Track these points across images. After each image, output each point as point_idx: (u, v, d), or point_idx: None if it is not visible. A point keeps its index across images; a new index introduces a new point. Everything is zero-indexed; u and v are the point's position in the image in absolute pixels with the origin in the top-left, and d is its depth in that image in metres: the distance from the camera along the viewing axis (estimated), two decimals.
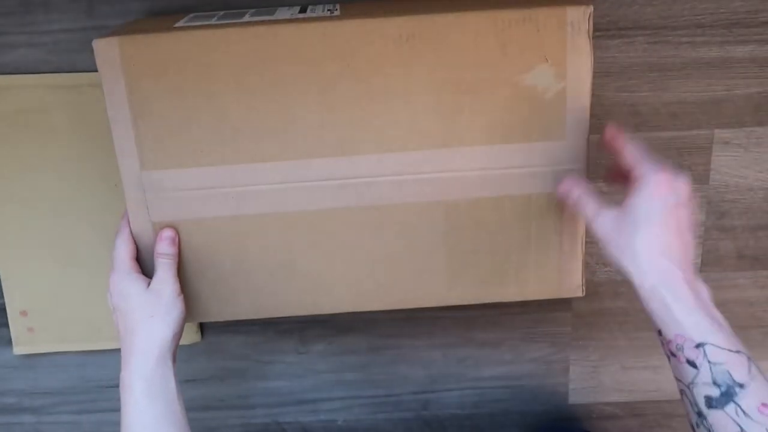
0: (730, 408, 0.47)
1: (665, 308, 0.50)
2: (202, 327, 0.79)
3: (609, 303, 0.79)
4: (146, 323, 0.58)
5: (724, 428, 0.47)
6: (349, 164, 0.60)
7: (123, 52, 0.56)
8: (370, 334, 0.80)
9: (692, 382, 0.49)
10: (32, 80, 0.70)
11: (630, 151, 0.55)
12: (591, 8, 0.57)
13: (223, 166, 0.60)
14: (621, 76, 0.71)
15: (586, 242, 0.64)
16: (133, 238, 0.61)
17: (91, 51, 0.56)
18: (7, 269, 0.75)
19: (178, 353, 0.60)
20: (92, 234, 0.74)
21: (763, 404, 0.46)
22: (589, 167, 0.62)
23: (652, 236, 0.51)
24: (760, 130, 0.73)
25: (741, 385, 0.47)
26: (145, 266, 0.62)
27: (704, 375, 0.48)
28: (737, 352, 0.48)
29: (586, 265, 0.68)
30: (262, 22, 0.58)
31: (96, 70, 0.57)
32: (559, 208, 0.62)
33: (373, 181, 0.61)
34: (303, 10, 0.62)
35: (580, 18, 0.57)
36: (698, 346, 0.48)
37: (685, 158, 0.74)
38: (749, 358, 0.49)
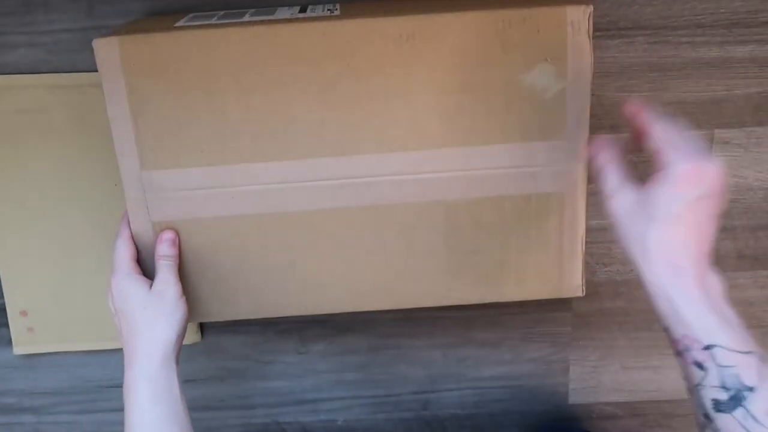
0: (739, 412, 0.45)
1: (673, 308, 0.48)
2: (202, 327, 0.79)
3: (609, 303, 0.79)
4: (150, 325, 0.58)
5: None
6: (349, 164, 0.60)
7: (123, 52, 0.56)
8: (370, 334, 0.80)
9: (699, 384, 0.47)
10: (32, 80, 0.70)
11: (657, 133, 0.50)
12: (591, 8, 0.57)
13: (223, 166, 0.60)
14: (621, 76, 0.71)
15: (586, 242, 0.64)
16: (134, 239, 0.61)
17: (91, 51, 0.56)
18: (7, 269, 0.75)
19: None
20: (92, 234, 0.74)
21: None
22: (589, 167, 0.62)
23: (667, 234, 0.48)
24: (760, 130, 0.73)
25: (750, 389, 0.45)
26: (145, 267, 0.62)
27: (712, 378, 0.46)
28: (748, 353, 0.46)
29: (586, 265, 0.68)
30: (262, 22, 0.58)
31: (96, 70, 0.57)
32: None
33: (373, 181, 0.61)
34: (303, 10, 0.62)
35: (580, 18, 0.57)
36: (706, 348, 0.47)
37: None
38: (761, 359, 0.46)
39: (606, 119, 0.72)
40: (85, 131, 0.71)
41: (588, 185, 0.62)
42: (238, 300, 0.64)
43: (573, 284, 0.65)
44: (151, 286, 0.59)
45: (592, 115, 0.60)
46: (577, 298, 0.78)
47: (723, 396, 0.46)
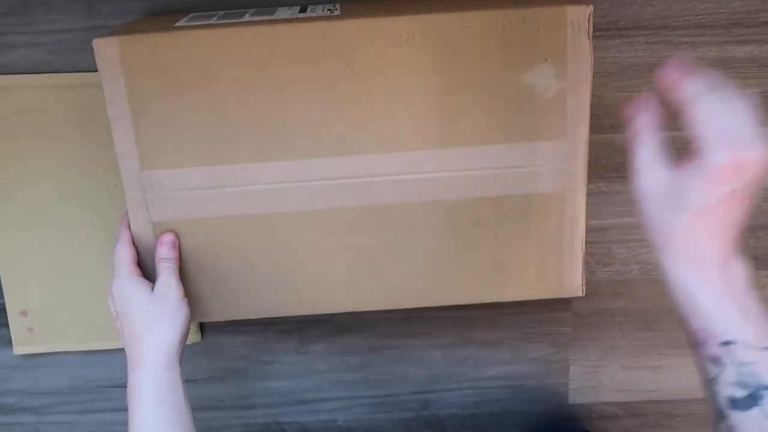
0: (756, 411, 0.43)
1: (691, 299, 0.45)
2: (202, 327, 0.79)
3: (609, 303, 0.79)
4: (153, 328, 0.58)
5: None
6: (349, 164, 0.60)
7: (123, 52, 0.56)
8: (370, 334, 0.80)
9: (714, 380, 0.45)
10: (32, 80, 0.70)
11: (698, 114, 0.44)
12: (591, 8, 0.57)
13: (223, 166, 0.60)
14: (621, 76, 0.71)
15: (586, 242, 0.64)
16: (134, 242, 0.61)
17: (91, 51, 0.56)
18: (7, 269, 0.75)
19: None
20: (92, 234, 0.74)
21: None
22: (589, 167, 0.62)
23: (694, 225, 0.45)
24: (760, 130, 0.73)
25: None
26: (145, 268, 0.62)
27: (728, 375, 0.44)
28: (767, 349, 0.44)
29: (586, 265, 0.68)
30: (262, 22, 0.58)
31: (96, 70, 0.57)
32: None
33: (373, 181, 0.61)
34: (303, 10, 0.62)
35: (580, 18, 0.57)
36: (724, 344, 0.44)
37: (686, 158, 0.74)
38: None
39: (606, 119, 0.72)
40: (85, 131, 0.71)
41: (588, 185, 0.62)
42: (238, 300, 0.64)
43: (573, 284, 0.65)
44: (152, 288, 0.60)
45: (592, 115, 0.60)
46: (577, 298, 0.77)
47: (739, 394, 0.44)
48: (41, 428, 0.83)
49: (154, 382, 0.57)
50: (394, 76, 0.58)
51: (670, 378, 0.83)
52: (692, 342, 0.47)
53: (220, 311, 0.65)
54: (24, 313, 0.77)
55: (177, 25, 0.59)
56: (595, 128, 0.61)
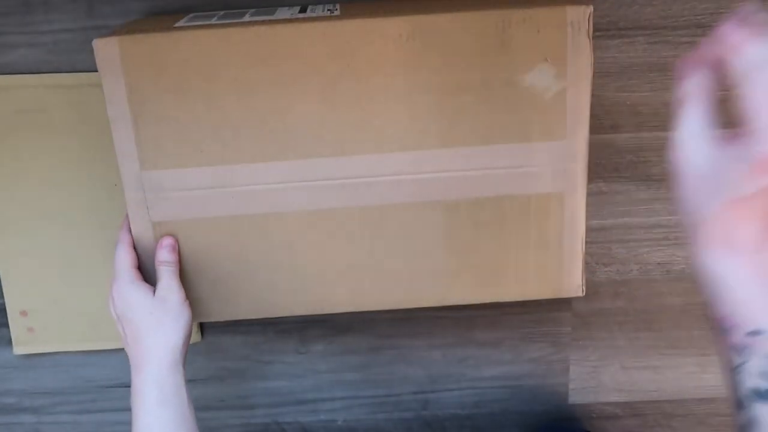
0: None
1: (719, 285, 0.42)
2: (202, 327, 0.79)
3: (609, 303, 0.79)
4: (156, 331, 0.59)
5: None
6: (349, 164, 0.60)
7: (123, 52, 0.56)
8: (370, 334, 0.80)
9: (738, 369, 0.42)
10: (32, 80, 0.70)
11: (757, 90, 0.38)
12: (591, 8, 0.57)
13: (223, 166, 0.60)
14: (621, 76, 0.71)
15: (586, 242, 0.64)
16: (134, 246, 0.61)
17: (91, 51, 0.56)
18: (7, 269, 0.75)
19: None
20: (92, 234, 0.74)
21: None
22: (589, 167, 0.62)
23: (731, 212, 0.41)
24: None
25: None
26: (145, 270, 0.62)
27: (753, 365, 0.41)
28: None
29: (586, 265, 0.68)
30: (262, 22, 0.58)
31: (96, 70, 0.57)
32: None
33: (373, 181, 0.61)
34: (303, 10, 0.62)
35: (580, 18, 0.57)
36: (751, 333, 0.42)
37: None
38: None
39: (606, 119, 0.72)
40: (85, 131, 0.71)
41: (588, 185, 0.62)
42: (238, 300, 0.64)
43: (573, 284, 0.65)
44: (153, 292, 0.60)
45: (592, 115, 0.60)
46: (577, 298, 0.78)
47: (764, 385, 0.41)
48: (41, 428, 0.83)
49: (158, 385, 0.58)
50: (394, 76, 0.58)
51: (670, 378, 0.83)
52: (717, 329, 0.44)
53: (220, 311, 0.65)
54: (24, 313, 0.77)
55: (177, 25, 0.59)
56: (595, 128, 0.61)
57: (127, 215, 0.62)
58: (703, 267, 0.43)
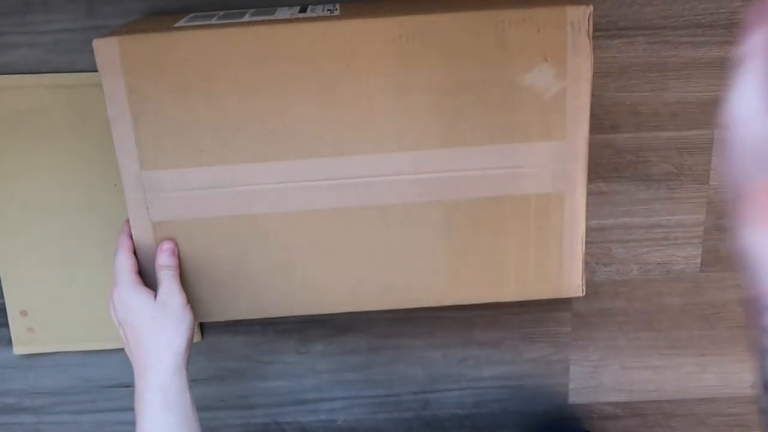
0: None
1: (756, 260, 0.40)
2: (202, 327, 0.79)
3: (609, 303, 0.79)
4: (158, 335, 0.59)
5: None
6: (349, 164, 0.60)
7: (123, 52, 0.56)
8: (370, 334, 0.80)
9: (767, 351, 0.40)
10: (32, 80, 0.70)
11: None
12: (591, 8, 0.57)
13: (223, 166, 0.60)
14: (621, 76, 0.71)
15: (586, 242, 0.64)
16: (134, 251, 0.61)
17: (91, 51, 0.56)
18: (7, 269, 0.75)
19: None
20: (92, 234, 0.74)
21: None
22: (589, 167, 0.62)
23: None
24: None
25: None
26: (144, 271, 0.62)
27: None
28: None
29: (586, 265, 0.68)
30: (262, 22, 0.58)
31: (96, 70, 0.57)
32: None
33: (373, 181, 0.61)
34: (303, 10, 0.62)
35: (580, 18, 0.57)
36: None
37: (685, 158, 0.74)
38: None
39: (606, 119, 0.72)
40: (85, 131, 0.71)
41: (588, 185, 0.62)
42: (238, 300, 0.64)
43: (573, 284, 0.65)
44: (155, 296, 0.60)
45: (592, 115, 0.60)
46: (577, 298, 0.78)
47: None
48: (41, 428, 0.83)
49: (162, 389, 0.58)
50: (395, 76, 0.58)
51: (670, 378, 0.83)
52: (750, 308, 0.41)
53: (220, 311, 0.65)
54: (24, 313, 0.77)
55: (177, 25, 0.59)
56: (595, 128, 0.61)
57: (127, 220, 0.62)
58: (741, 241, 0.40)
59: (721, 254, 0.77)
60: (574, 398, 0.83)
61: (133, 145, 0.59)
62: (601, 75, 0.70)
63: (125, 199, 0.60)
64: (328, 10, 0.61)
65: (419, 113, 0.59)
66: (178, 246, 0.62)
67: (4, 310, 0.77)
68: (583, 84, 0.59)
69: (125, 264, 0.60)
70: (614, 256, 0.77)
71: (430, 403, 0.83)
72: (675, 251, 0.77)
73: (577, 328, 0.81)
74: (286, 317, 0.69)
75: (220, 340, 0.80)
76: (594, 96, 0.60)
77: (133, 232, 0.61)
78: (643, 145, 0.73)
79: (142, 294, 0.59)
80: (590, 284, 0.77)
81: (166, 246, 0.61)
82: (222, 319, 0.65)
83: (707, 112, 0.72)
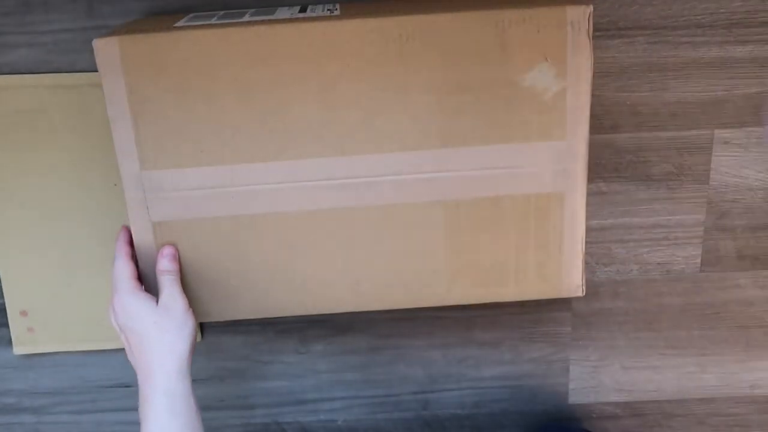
0: None
1: None
2: (202, 327, 0.79)
3: (609, 303, 0.79)
4: (161, 340, 0.59)
5: None
6: (349, 164, 0.60)
7: (123, 52, 0.56)
8: (370, 334, 0.80)
9: None
10: (32, 80, 0.70)
11: None
12: (591, 8, 0.57)
13: (223, 166, 0.60)
14: (621, 76, 0.71)
15: (586, 242, 0.64)
16: (132, 258, 0.61)
17: (91, 51, 0.56)
18: (7, 269, 0.75)
19: None
20: (92, 234, 0.74)
21: None
22: (589, 167, 0.62)
23: None
24: (760, 130, 0.73)
25: None
26: (145, 272, 0.62)
27: None
28: None
29: (586, 265, 0.68)
30: (262, 22, 0.58)
31: (96, 70, 0.57)
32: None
33: (373, 181, 0.61)
34: (303, 10, 0.62)
35: (580, 18, 0.57)
36: None
37: (685, 158, 0.74)
38: None
39: (606, 119, 0.72)
40: (85, 131, 0.71)
41: (588, 185, 0.62)
42: (238, 300, 0.64)
43: (573, 284, 0.65)
44: (156, 301, 0.60)
45: (592, 115, 0.60)
46: (577, 298, 0.78)
47: None
48: (41, 428, 0.83)
49: (167, 393, 0.58)
50: (394, 76, 0.58)
51: (670, 378, 0.83)
52: None
53: (220, 311, 0.65)
54: (24, 313, 0.77)
55: (177, 25, 0.59)
56: (595, 128, 0.61)
57: (123, 227, 0.62)
58: None
59: (721, 254, 0.77)
60: (574, 398, 0.83)
61: (133, 145, 0.59)
62: (601, 75, 0.70)
63: (125, 199, 0.60)
64: (328, 10, 0.61)
65: (419, 113, 0.59)
66: (178, 246, 0.62)
67: (4, 310, 0.77)
68: (583, 84, 0.59)
69: (124, 270, 0.60)
70: (614, 256, 0.77)
71: (430, 403, 0.83)
72: (675, 251, 0.77)
73: (577, 328, 0.81)
74: (285, 317, 0.69)
75: (220, 340, 0.80)
76: (594, 96, 0.60)
77: (133, 232, 0.61)
78: (643, 145, 0.73)
79: (143, 300, 0.59)
80: (590, 284, 0.77)
81: (167, 251, 0.61)
82: (222, 320, 0.65)
83: (707, 112, 0.72)
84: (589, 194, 0.64)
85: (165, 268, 0.61)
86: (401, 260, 0.63)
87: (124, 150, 0.59)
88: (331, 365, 0.81)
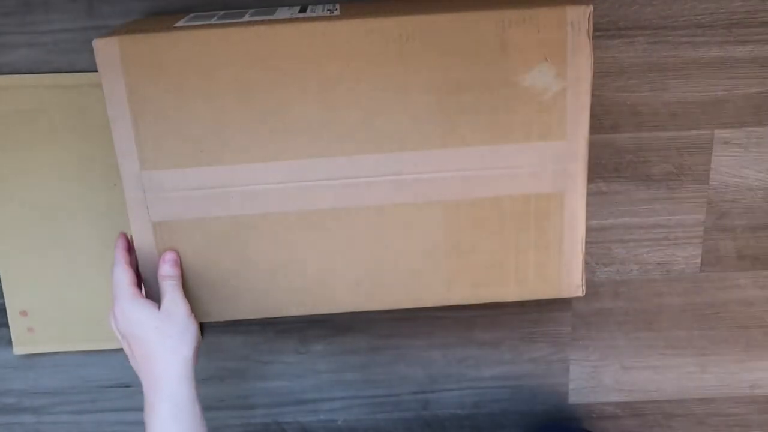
0: None
1: None
2: (202, 327, 0.79)
3: (609, 303, 0.79)
4: (165, 345, 0.59)
5: None
6: (349, 164, 0.60)
7: (123, 52, 0.56)
8: (370, 334, 0.80)
9: None
10: (32, 80, 0.70)
11: None
12: (591, 8, 0.57)
13: (223, 166, 0.60)
14: (621, 76, 0.71)
15: (586, 242, 0.64)
16: (131, 265, 0.61)
17: (91, 51, 0.56)
18: (7, 269, 0.75)
19: None
20: (92, 234, 0.74)
21: None
22: (589, 167, 0.62)
23: None
24: (760, 130, 0.73)
25: None
26: (145, 272, 0.62)
27: None
28: None
29: (586, 265, 0.68)
30: (262, 22, 0.58)
31: (96, 70, 0.57)
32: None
33: (373, 181, 0.61)
34: (303, 10, 0.62)
35: (580, 18, 0.57)
36: None
37: (685, 158, 0.74)
38: None
39: (606, 119, 0.72)
40: (85, 131, 0.71)
41: (588, 185, 0.62)
42: (238, 300, 0.64)
43: (573, 284, 0.65)
44: (157, 307, 0.60)
45: (592, 115, 0.60)
46: (577, 298, 0.78)
47: None
48: (41, 428, 0.83)
49: (172, 399, 0.58)
50: (394, 76, 0.58)
51: (670, 378, 0.83)
52: None
53: (220, 311, 0.65)
54: (24, 313, 0.77)
55: (177, 25, 0.59)
56: (595, 128, 0.61)
57: (120, 234, 0.62)
58: None
59: (721, 254, 0.78)
60: (574, 398, 0.83)
61: (133, 145, 0.59)
62: (601, 75, 0.70)
63: (125, 199, 0.60)
64: (328, 10, 0.61)
65: (419, 113, 0.59)
66: (178, 246, 0.62)
67: (4, 310, 0.77)
68: (583, 84, 0.59)
69: (123, 277, 0.60)
70: (614, 256, 0.77)
71: (430, 403, 0.83)
72: (675, 251, 0.77)
73: (577, 328, 0.81)
74: (286, 317, 0.69)
75: (220, 340, 0.80)
76: (594, 96, 0.60)
77: (132, 232, 0.61)
78: (643, 145, 0.73)
79: (144, 306, 0.59)
80: (590, 284, 0.77)
81: (169, 256, 0.61)
82: (222, 319, 0.65)
83: (707, 112, 0.72)
84: (589, 194, 0.64)
85: (167, 273, 0.61)
86: (401, 260, 0.63)
87: (124, 150, 0.59)
88: (331, 365, 0.81)
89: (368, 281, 0.64)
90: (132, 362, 0.61)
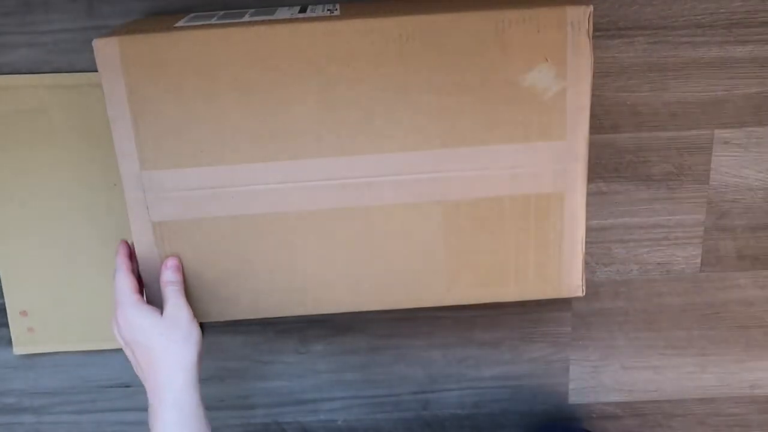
0: None
1: None
2: (202, 327, 0.79)
3: (609, 303, 0.79)
4: (169, 351, 0.58)
5: None
6: (349, 164, 0.60)
7: (123, 52, 0.56)
8: (370, 334, 0.80)
9: None
10: (32, 80, 0.70)
11: None
12: (591, 8, 0.57)
13: (223, 166, 0.60)
14: (621, 76, 0.71)
15: (586, 242, 0.64)
16: (132, 271, 0.61)
17: (91, 51, 0.56)
18: (7, 269, 0.75)
19: None
20: (92, 234, 0.74)
21: None
22: (589, 167, 0.62)
23: None
24: (760, 130, 0.73)
25: None
26: (145, 272, 0.62)
27: None
28: None
29: (586, 265, 0.68)
30: (262, 22, 0.58)
31: (96, 70, 0.57)
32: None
33: (373, 181, 0.61)
34: (303, 10, 0.62)
35: (580, 18, 0.57)
36: None
37: (685, 158, 0.74)
38: None
39: (606, 119, 0.72)
40: (85, 131, 0.71)
41: (588, 185, 0.62)
42: (238, 300, 0.64)
43: (573, 284, 0.65)
44: (160, 313, 0.59)
45: (592, 115, 0.60)
46: (577, 298, 0.78)
47: None
48: (41, 428, 0.83)
49: (175, 405, 0.58)
50: (394, 76, 0.58)
51: (670, 378, 0.83)
52: None
53: (220, 311, 0.65)
54: (24, 313, 0.77)
55: (177, 25, 0.59)
56: (595, 128, 0.61)
57: (121, 242, 0.62)
58: None
59: (721, 254, 0.78)
60: (574, 398, 0.83)
61: (133, 145, 0.59)
62: (601, 75, 0.70)
63: (125, 199, 0.60)
64: (328, 10, 0.61)
65: (419, 113, 0.59)
66: (178, 246, 0.62)
67: (4, 310, 0.77)
68: (583, 84, 0.59)
69: (125, 284, 0.60)
70: (614, 256, 0.77)
71: (430, 403, 0.83)
72: (675, 251, 0.77)
73: (577, 328, 0.81)
74: (286, 317, 0.69)
75: (220, 340, 0.80)
76: (594, 96, 0.60)
77: (133, 232, 0.61)
78: (643, 145, 0.73)
79: (146, 312, 0.59)
80: (590, 284, 0.77)
81: (171, 262, 0.61)
82: (222, 320, 0.65)
83: (707, 112, 0.72)
84: (589, 194, 0.64)
85: (169, 279, 0.61)
86: (401, 260, 0.63)
87: (124, 150, 0.59)
88: (331, 365, 0.81)
89: (368, 281, 0.64)
90: (137, 370, 0.61)
